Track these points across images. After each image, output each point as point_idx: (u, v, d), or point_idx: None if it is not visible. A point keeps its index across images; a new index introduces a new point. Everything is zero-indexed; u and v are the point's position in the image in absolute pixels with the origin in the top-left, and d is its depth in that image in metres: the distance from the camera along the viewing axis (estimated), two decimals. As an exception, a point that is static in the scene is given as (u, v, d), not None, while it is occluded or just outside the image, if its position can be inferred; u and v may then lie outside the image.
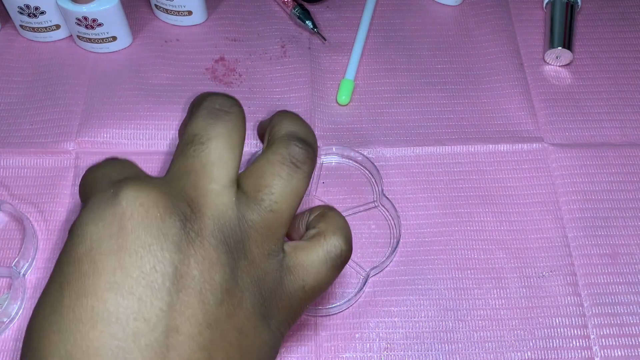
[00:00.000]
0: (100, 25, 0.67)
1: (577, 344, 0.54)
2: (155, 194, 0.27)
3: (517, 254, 0.59)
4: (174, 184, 0.28)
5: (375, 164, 0.62)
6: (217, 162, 0.29)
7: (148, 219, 0.26)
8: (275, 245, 0.30)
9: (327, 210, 0.37)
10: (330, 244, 0.33)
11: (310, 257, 0.32)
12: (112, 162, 0.31)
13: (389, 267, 0.58)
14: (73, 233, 0.26)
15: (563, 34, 0.69)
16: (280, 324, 0.31)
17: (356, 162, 0.63)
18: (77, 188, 0.61)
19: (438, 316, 0.56)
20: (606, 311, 0.56)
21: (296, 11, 0.72)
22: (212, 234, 0.27)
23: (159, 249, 0.25)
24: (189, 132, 0.30)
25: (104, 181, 0.28)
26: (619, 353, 0.54)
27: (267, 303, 0.29)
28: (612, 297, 0.56)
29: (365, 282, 0.56)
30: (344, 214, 0.60)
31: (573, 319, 0.55)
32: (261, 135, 0.37)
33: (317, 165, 0.63)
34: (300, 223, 0.36)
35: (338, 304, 0.55)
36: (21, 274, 0.55)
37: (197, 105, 0.32)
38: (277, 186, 0.30)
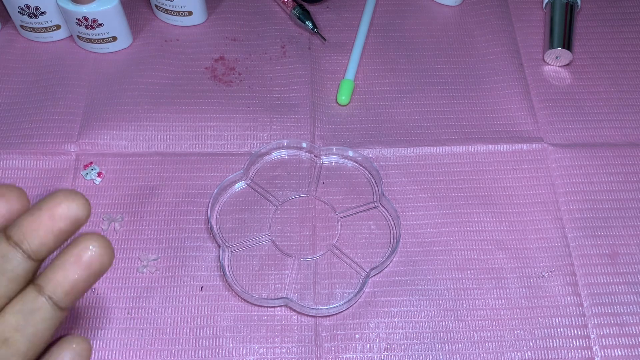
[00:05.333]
0: (100, 25, 0.67)
1: (577, 343, 0.54)
2: None
3: (517, 254, 0.59)
4: None
5: (375, 164, 0.62)
6: None
7: None
8: None
9: None
10: None
11: None
12: None
13: (388, 268, 0.58)
14: None
15: (563, 34, 0.69)
16: None
17: (356, 162, 0.63)
18: (76, 189, 0.61)
19: (438, 316, 0.56)
20: (606, 311, 0.56)
21: (296, 12, 0.72)
22: None
23: None
24: None
25: None
26: (619, 353, 0.54)
27: None
28: (612, 297, 0.56)
29: (365, 282, 0.56)
30: (343, 214, 0.60)
31: (573, 319, 0.55)
32: None
33: (317, 165, 0.63)
34: None
35: (338, 304, 0.55)
36: None
37: None
38: None
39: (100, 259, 0.29)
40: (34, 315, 0.29)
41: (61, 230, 0.29)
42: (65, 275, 0.29)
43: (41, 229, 0.28)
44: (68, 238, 0.29)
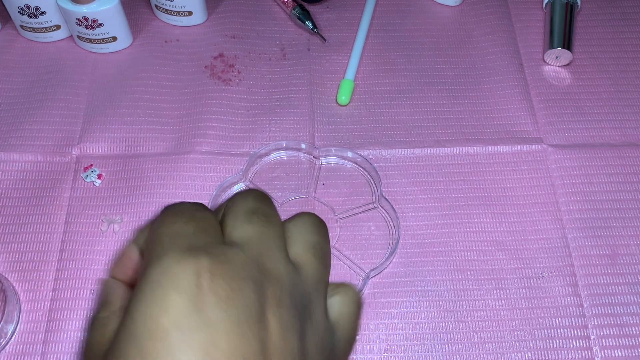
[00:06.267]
0: (100, 25, 0.67)
1: (577, 344, 0.54)
2: (234, 269, 0.25)
3: (517, 254, 0.59)
4: (248, 253, 0.27)
5: (374, 165, 0.62)
6: (281, 234, 0.29)
7: (228, 297, 0.24)
8: (326, 301, 0.30)
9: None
10: (355, 292, 0.32)
11: (346, 308, 0.31)
12: (189, 218, 0.28)
13: (388, 269, 0.58)
14: (150, 297, 0.24)
15: (563, 34, 0.69)
16: None
17: (355, 163, 0.63)
18: (75, 191, 0.61)
19: (438, 317, 0.56)
20: (606, 312, 0.56)
21: (296, 11, 0.72)
22: (285, 301, 0.26)
23: (245, 325, 0.24)
24: (247, 204, 0.29)
25: (179, 243, 0.26)
26: (619, 353, 0.54)
27: None
28: (612, 298, 0.56)
29: (365, 283, 0.56)
30: (343, 215, 0.60)
31: (573, 320, 0.55)
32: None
33: (316, 166, 0.63)
34: None
35: (338, 305, 0.55)
36: (7, 336, 0.54)
37: (236, 195, 0.31)
38: (320, 242, 0.31)
39: None
40: None
41: None
42: None
43: None
44: None
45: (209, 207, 0.30)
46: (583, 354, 0.54)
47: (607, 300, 0.56)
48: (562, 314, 0.56)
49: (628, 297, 0.57)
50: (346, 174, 0.63)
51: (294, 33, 0.73)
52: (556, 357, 0.54)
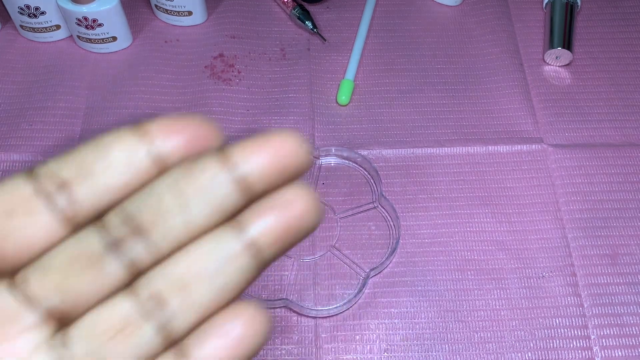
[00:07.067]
0: (100, 25, 0.67)
1: (578, 344, 0.54)
2: None
3: (517, 254, 0.59)
4: None
5: (374, 164, 0.62)
6: None
7: None
8: None
9: None
10: None
11: None
12: None
13: (388, 268, 0.58)
14: None
15: (563, 34, 0.69)
16: None
17: (355, 162, 0.63)
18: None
19: (438, 317, 0.56)
20: (606, 311, 0.56)
21: (296, 12, 0.72)
22: None
23: None
24: None
25: None
26: (620, 353, 0.54)
27: None
28: (612, 298, 0.56)
29: (365, 283, 0.56)
30: (343, 215, 0.60)
31: (573, 320, 0.55)
32: None
33: (316, 166, 0.63)
34: None
35: (338, 305, 0.55)
36: None
37: None
38: None
39: (312, 211, 0.23)
40: (229, 262, 0.21)
41: (286, 167, 0.22)
42: (277, 219, 0.22)
43: (265, 157, 0.22)
44: (288, 182, 0.23)
45: None
46: (583, 354, 0.54)
47: (607, 300, 0.56)
48: (562, 314, 0.56)
49: (628, 297, 0.57)
50: (346, 174, 0.63)
51: (294, 33, 0.73)
52: (556, 357, 0.54)
